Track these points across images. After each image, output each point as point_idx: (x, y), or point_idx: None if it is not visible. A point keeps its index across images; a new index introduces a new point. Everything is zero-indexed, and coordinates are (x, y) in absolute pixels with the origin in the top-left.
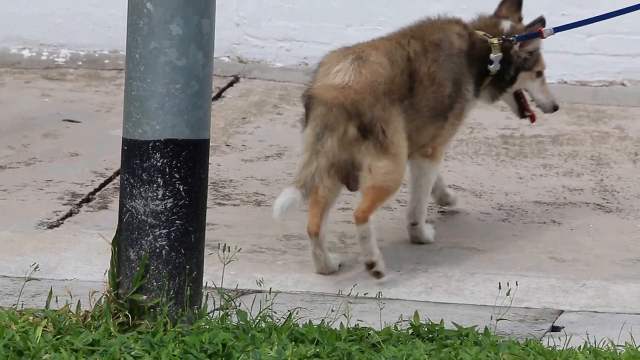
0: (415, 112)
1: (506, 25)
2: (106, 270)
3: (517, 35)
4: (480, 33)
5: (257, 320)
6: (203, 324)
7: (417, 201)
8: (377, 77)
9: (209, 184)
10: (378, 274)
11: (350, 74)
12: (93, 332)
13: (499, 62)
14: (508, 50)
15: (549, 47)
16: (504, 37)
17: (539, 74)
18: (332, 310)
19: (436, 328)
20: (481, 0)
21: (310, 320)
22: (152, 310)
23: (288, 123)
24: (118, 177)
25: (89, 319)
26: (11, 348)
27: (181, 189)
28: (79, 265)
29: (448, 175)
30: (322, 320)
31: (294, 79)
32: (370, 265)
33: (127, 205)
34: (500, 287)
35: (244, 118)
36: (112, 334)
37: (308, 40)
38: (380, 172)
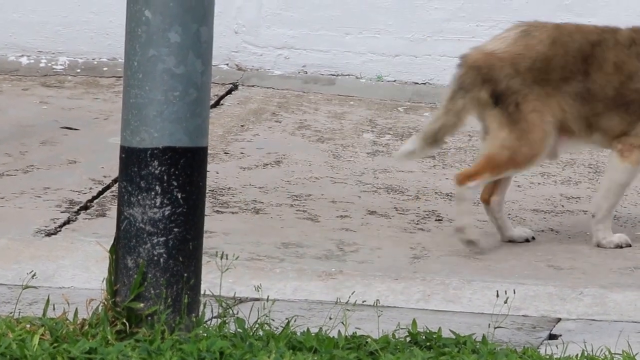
0: (591, 96)
1: None
2: (104, 278)
3: None
4: None
5: (254, 328)
6: (201, 331)
7: (600, 197)
8: (526, 52)
9: (207, 191)
10: (468, 243)
11: (506, 43)
12: (90, 340)
13: None
14: None
15: None
16: None
17: None
18: (330, 318)
19: (434, 336)
20: (480, 9)
21: (308, 328)
22: (149, 318)
23: (287, 131)
24: (116, 185)
25: (86, 327)
26: (8, 356)
27: (179, 197)
28: (77, 273)
29: (448, 184)
30: (320, 328)
31: (293, 86)
32: (459, 230)
33: (125, 213)
34: (498, 295)
35: (242, 126)
36: (110, 342)
37: (307, 48)
38: (498, 142)
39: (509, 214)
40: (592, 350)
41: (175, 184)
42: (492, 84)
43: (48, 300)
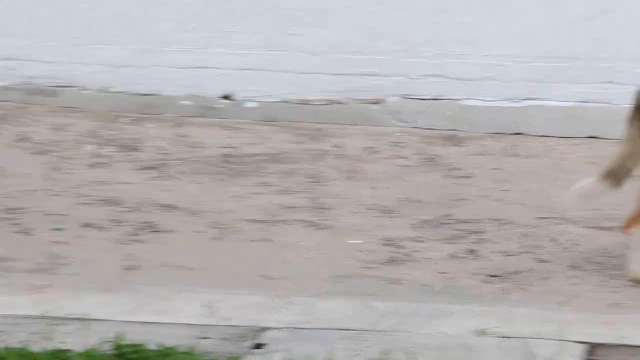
0: None
1: None
2: None
3: None
4: None
5: None
6: None
7: None
8: None
9: None
10: None
11: None
12: None
13: None
14: None
15: (273, 67)
16: None
17: None
18: (35, 333)
19: (140, 348)
20: (209, 20)
21: (10, 344)
22: None
23: (4, 144)
24: None
25: None
26: None
27: None
28: None
29: (168, 195)
30: (24, 343)
31: (15, 98)
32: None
33: None
34: (208, 306)
35: None
36: None
37: (32, 59)
38: None
39: (226, 225)
40: (295, 358)
41: None
42: None
43: None
